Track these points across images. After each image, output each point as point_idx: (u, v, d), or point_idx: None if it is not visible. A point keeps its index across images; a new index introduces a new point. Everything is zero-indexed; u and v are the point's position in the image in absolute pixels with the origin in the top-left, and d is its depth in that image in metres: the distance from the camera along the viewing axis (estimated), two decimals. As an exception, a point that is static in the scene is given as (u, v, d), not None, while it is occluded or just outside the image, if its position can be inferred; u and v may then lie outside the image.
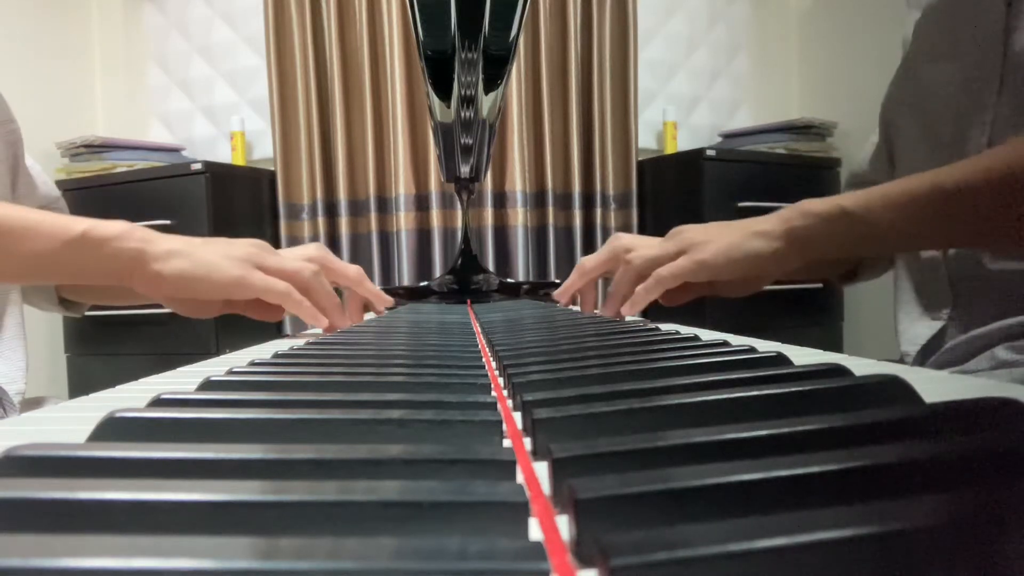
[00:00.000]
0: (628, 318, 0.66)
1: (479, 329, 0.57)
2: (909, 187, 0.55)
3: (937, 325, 0.68)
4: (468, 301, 0.97)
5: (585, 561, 0.13)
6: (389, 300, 0.81)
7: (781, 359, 0.31)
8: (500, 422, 0.22)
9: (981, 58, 0.63)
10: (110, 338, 1.82)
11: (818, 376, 0.26)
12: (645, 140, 2.12)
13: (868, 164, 0.84)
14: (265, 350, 0.51)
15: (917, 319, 0.71)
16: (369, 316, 0.84)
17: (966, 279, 0.65)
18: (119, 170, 1.88)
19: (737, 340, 0.41)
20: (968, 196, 0.52)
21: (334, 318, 0.63)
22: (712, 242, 0.60)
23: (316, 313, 0.60)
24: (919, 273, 0.71)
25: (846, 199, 0.57)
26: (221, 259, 0.57)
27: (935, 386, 0.26)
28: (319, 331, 0.64)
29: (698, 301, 0.67)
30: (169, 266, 0.56)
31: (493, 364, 0.39)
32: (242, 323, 0.64)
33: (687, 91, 2.22)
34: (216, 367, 0.42)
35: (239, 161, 1.99)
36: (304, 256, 0.66)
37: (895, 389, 0.23)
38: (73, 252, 0.55)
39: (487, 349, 0.45)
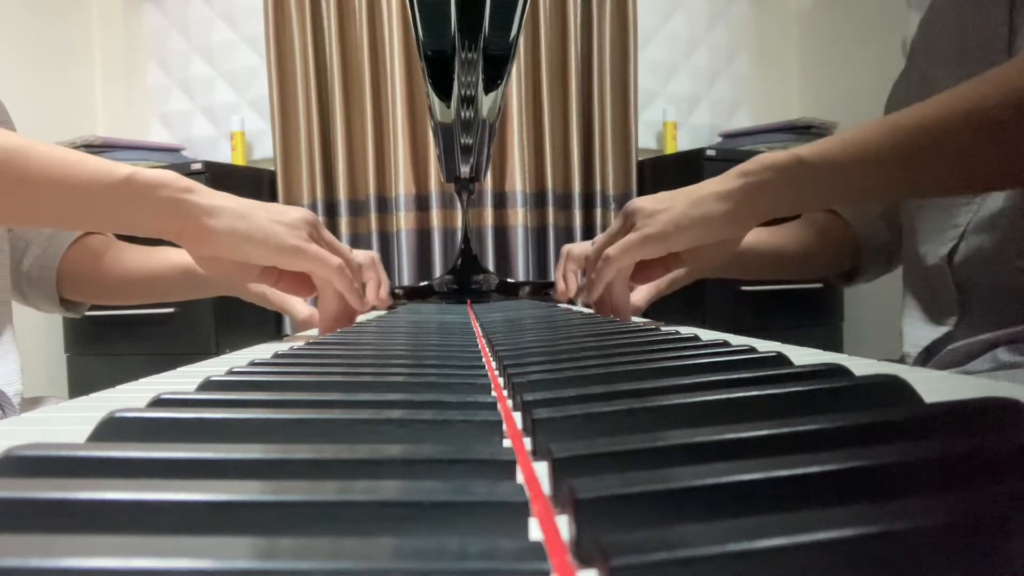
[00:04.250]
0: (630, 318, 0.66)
1: (479, 329, 0.57)
2: (868, 131, 0.53)
3: (943, 330, 0.67)
4: (468, 301, 0.97)
5: (585, 561, 0.13)
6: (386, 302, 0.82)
7: (781, 359, 0.31)
8: (500, 422, 0.22)
9: (987, 64, 0.62)
10: (110, 338, 1.82)
11: (818, 376, 0.26)
12: (645, 140, 2.12)
13: None
14: (265, 350, 0.51)
15: (923, 326, 0.70)
16: (369, 316, 0.84)
17: (974, 287, 0.64)
18: (119, 170, 1.88)
19: (737, 340, 0.41)
20: (933, 135, 0.49)
21: (361, 307, 0.62)
22: (661, 213, 0.58)
23: (359, 296, 0.58)
24: (925, 282, 0.70)
25: (803, 149, 0.55)
26: (276, 225, 0.54)
27: (935, 386, 0.26)
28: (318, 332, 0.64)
29: (697, 302, 0.67)
30: (223, 223, 0.52)
31: (493, 364, 0.39)
32: (242, 323, 0.64)
33: (687, 91, 2.22)
34: (216, 367, 0.42)
35: (239, 161, 1.99)
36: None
37: (895, 389, 0.23)
38: (113, 196, 0.51)
39: (487, 349, 0.45)
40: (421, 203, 1.89)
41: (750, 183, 0.56)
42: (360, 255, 0.71)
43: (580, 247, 0.89)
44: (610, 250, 0.59)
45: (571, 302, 0.90)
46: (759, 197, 0.56)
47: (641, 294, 0.86)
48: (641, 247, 0.58)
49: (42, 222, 0.69)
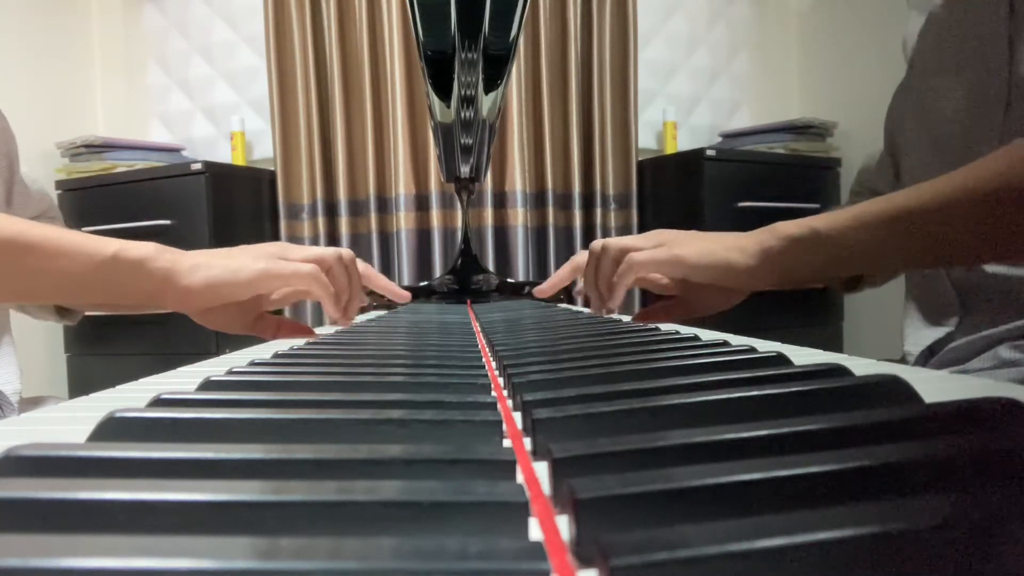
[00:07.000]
0: (627, 318, 0.66)
1: (479, 329, 0.57)
2: (881, 208, 0.55)
3: (944, 331, 0.68)
4: (468, 301, 0.97)
5: (585, 561, 0.13)
6: (406, 295, 0.79)
7: (781, 359, 0.31)
8: (500, 422, 0.22)
9: (986, 74, 0.63)
10: (110, 338, 1.82)
11: (818, 376, 0.26)
12: (645, 140, 2.12)
13: (876, 167, 0.84)
14: (265, 350, 0.51)
15: (924, 328, 0.71)
16: (369, 316, 0.84)
17: (972, 288, 0.65)
18: (119, 170, 1.88)
19: (737, 340, 0.41)
20: (939, 216, 0.52)
21: (352, 305, 0.62)
22: (689, 243, 0.60)
23: (338, 303, 0.59)
24: (925, 285, 0.71)
25: (819, 220, 0.57)
26: (244, 259, 0.56)
27: (935, 386, 0.26)
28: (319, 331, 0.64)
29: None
30: (196, 277, 0.55)
31: (493, 364, 0.39)
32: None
33: (687, 91, 2.22)
34: (216, 367, 0.42)
35: (239, 161, 1.99)
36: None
37: (895, 389, 0.23)
38: (104, 274, 0.54)
39: (487, 349, 0.45)
40: (421, 203, 1.89)
41: (767, 249, 0.58)
42: (328, 254, 0.66)
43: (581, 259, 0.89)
44: (638, 256, 0.60)
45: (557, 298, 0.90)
46: (775, 263, 0.58)
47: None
48: (664, 262, 0.60)
49: (34, 300, 0.73)
